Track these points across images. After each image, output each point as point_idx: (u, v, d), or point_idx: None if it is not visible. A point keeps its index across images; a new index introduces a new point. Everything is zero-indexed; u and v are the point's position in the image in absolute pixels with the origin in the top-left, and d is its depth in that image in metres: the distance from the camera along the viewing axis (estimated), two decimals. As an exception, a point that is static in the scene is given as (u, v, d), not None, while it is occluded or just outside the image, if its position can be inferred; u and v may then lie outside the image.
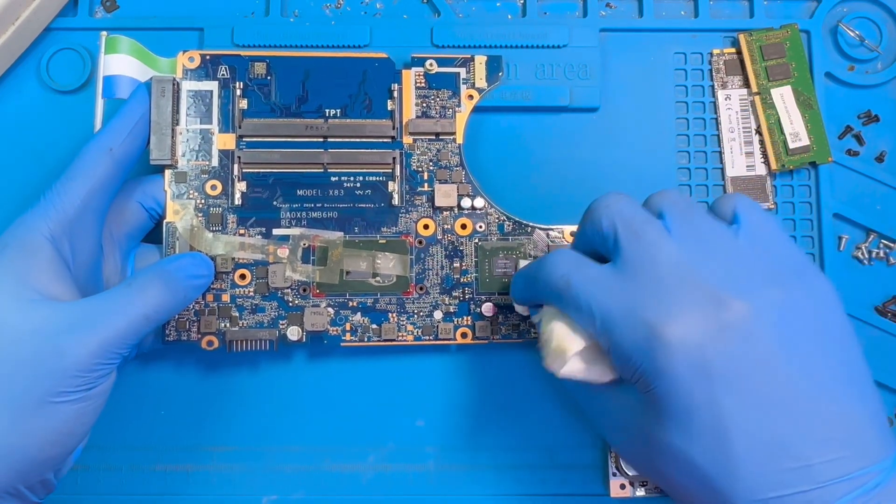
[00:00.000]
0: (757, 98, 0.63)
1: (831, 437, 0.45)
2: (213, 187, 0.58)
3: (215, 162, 0.58)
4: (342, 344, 0.58)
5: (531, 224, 0.59)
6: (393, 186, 0.59)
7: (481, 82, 0.60)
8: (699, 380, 0.44)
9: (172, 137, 0.57)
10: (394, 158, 0.59)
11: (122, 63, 0.58)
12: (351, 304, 0.58)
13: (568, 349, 0.49)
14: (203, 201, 0.58)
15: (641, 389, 0.47)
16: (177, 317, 0.57)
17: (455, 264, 0.59)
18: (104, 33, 0.58)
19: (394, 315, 0.59)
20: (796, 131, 0.62)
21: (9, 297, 0.48)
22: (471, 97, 0.60)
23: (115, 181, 0.54)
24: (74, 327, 0.48)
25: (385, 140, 0.59)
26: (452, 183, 0.59)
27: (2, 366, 0.47)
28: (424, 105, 0.60)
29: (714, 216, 0.50)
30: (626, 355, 0.46)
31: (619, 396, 0.50)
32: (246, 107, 0.59)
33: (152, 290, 0.51)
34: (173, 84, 0.57)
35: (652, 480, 0.52)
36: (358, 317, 0.58)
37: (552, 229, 0.59)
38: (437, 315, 0.59)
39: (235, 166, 0.58)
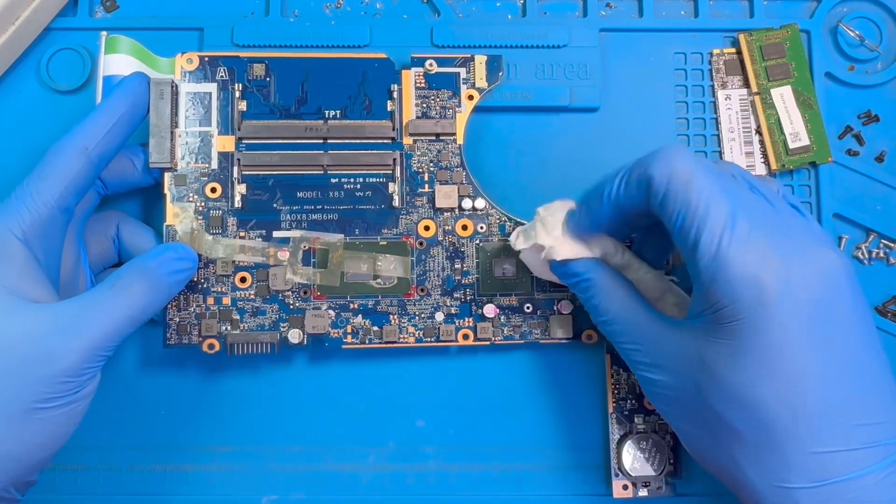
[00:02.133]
0: (757, 98, 0.63)
1: (881, 399, 0.47)
2: (213, 190, 0.58)
3: (215, 164, 0.58)
4: (343, 346, 0.58)
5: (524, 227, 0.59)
6: (393, 188, 0.59)
7: (481, 82, 0.60)
8: (797, 319, 0.45)
9: (171, 140, 0.57)
10: (394, 160, 0.59)
11: (122, 63, 0.58)
12: (352, 306, 0.58)
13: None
14: (203, 204, 0.58)
15: (727, 318, 0.46)
16: (177, 320, 0.57)
17: (456, 265, 0.59)
18: (104, 33, 0.58)
19: (395, 317, 0.59)
20: (796, 131, 0.62)
21: None
22: (471, 97, 0.60)
23: (88, 181, 0.52)
24: (61, 332, 0.47)
25: (385, 141, 0.59)
26: (453, 184, 0.59)
27: None
28: (424, 105, 0.60)
29: None
30: (729, 279, 0.46)
31: (674, 334, 0.50)
32: (245, 108, 0.58)
33: (136, 290, 0.50)
34: (172, 86, 0.57)
35: (689, 432, 0.51)
36: (359, 319, 0.58)
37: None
38: (439, 317, 0.59)
39: (235, 168, 0.58)
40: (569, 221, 0.54)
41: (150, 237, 0.58)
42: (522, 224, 0.59)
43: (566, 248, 0.54)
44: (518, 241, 0.56)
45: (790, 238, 0.47)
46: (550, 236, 0.54)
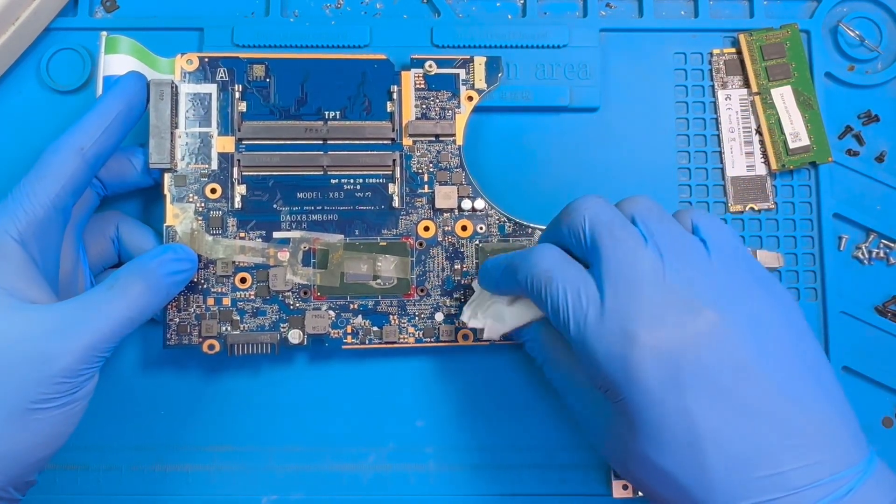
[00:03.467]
0: (757, 98, 0.63)
1: (804, 443, 0.45)
2: (213, 191, 0.58)
3: (215, 165, 0.58)
4: (343, 347, 0.58)
5: (532, 225, 0.59)
6: (393, 188, 0.59)
7: (481, 83, 0.60)
8: (672, 388, 0.45)
9: (171, 141, 0.57)
10: (394, 160, 0.59)
11: (122, 63, 0.58)
12: (352, 306, 0.58)
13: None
14: (203, 205, 0.58)
15: (612, 398, 0.47)
16: (177, 321, 0.57)
17: (456, 266, 0.59)
18: (104, 33, 0.58)
19: (395, 317, 0.59)
20: (796, 131, 0.62)
21: None
22: (470, 98, 0.60)
23: (84, 181, 0.52)
24: (59, 332, 0.47)
25: (385, 142, 0.59)
26: (453, 184, 0.59)
27: None
28: (424, 106, 0.60)
29: (682, 227, 0.50)
30: (598, 363, 0.46)
31: (598, 403, 0.51)
32: (245, 109, 0.58)
33: (135, 291, 0.50)
34: (172, 87, 0.57)
35: (633, 484, 0.53)
36: (359, 319, 0.58)
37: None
38: (439, 317, 0.59)
39: (235, 169, 0.58)
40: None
41: (150, 238, 0.58)
42: (520, 222, 0.59)
43: (517, 319, 0.55)
44: (473, 322, 0.56)
45: (659, 304, 0.46)
46: (506, 325, 0.55)
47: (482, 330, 0.55)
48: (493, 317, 0.55)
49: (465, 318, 0.56)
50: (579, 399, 0.53)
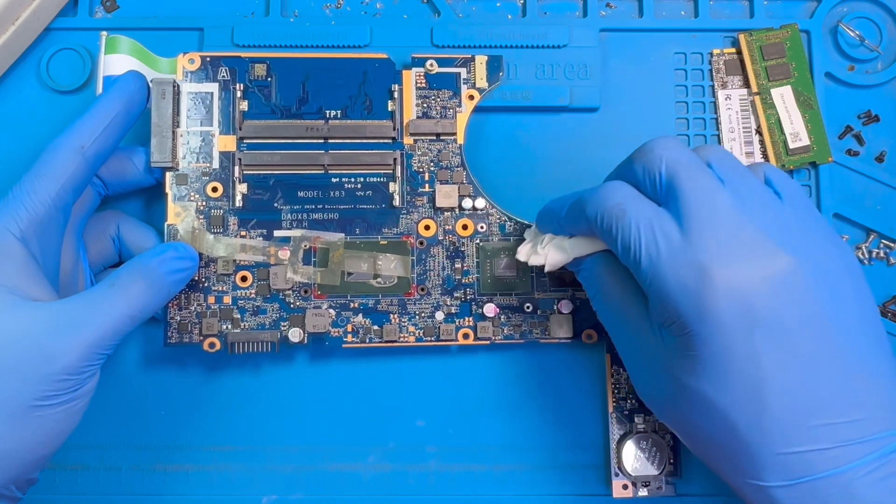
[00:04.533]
0: (757, 98, 0.63)
1: (859, 397, 0.46)
2: (214, 189, 0.58)
3: (216, 164, 0.58)
4: (344, 345, 0.58)
5: (532, 224, 0.59)
6: (394, 187, 0.59)
7: (482, 82, 0.60)
8: (742, 327, 0.45)
9: (173, 140, 0.57)
10: (394, 159, 0.59)
11: (122, 63, 0.58)
12: (352, 305, 0.58)
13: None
14: (204, 203, 0.58)
15: (678, 332, 0.47)
16: (178, 319, 0.57)
17: (456, 265, 0.59)
18: (104, 33, 0.58)
19: (395, 316, 0.59)
20: (796, 131, 0.62)
21: None
22: (471, 97, 0.60)
23: (84, 180, 0.52)
24: (60, 330, 0.47)
25: (386, 141, 0.59)
26: (453, 183, 0.59)
27: None
28: (425, 105, 0.60)
29: (755, 176, 0.50)
30: (669, 295, 0.46)
31: (652, 339, 0.50)
32: (246, 108, 0.59)
33: (135, 289, 0.50)
34: (173, 86, 0.57)
35: (675, 429, 0.52)
36: (359, 318, 0.58)
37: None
38: (439, 316, 0.59)
39: (236, 168, 0.58)
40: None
41: (151, 237, 0.58)
42: (521, 222, 0.59)
43: (578, 250, 0.54)
44: (534, 259, 0.56)
45: (737, 244, 0.46)
46: (567, 255, 0.55)
47: (542, 266, 0.55)
48: (553, 249, 0.55)
49: (521, 256, 0.56)
50: (629, 335, 0.52)
